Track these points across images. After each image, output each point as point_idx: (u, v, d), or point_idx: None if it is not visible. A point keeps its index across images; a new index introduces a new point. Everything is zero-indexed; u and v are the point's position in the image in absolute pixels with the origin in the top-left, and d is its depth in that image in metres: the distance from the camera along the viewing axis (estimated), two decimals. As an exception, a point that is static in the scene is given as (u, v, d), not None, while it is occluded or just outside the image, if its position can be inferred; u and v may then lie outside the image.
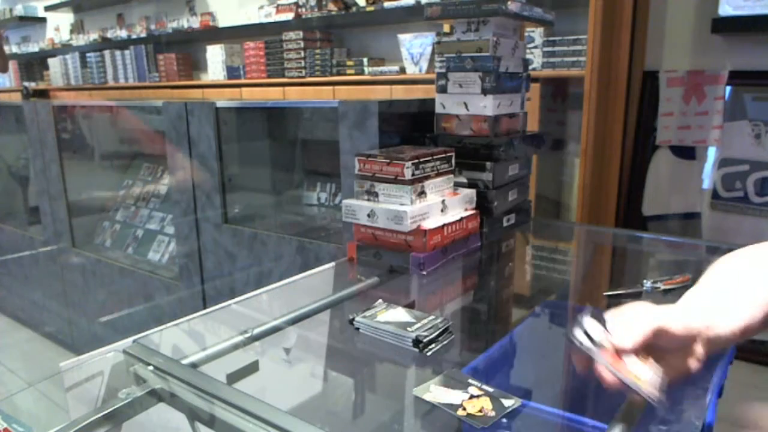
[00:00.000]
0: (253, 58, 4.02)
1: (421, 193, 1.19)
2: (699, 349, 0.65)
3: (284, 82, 3.79)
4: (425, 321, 0.88)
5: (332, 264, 1.26)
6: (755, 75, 1.87)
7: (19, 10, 6.13)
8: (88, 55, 5.38)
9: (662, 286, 1.04)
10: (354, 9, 3.39)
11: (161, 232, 2.69)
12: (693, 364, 0.65)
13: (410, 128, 1.57)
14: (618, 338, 0.61)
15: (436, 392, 0.71)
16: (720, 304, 0.68)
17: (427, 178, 1.21)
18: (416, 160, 1.17)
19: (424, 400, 0.70)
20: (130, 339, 0.85)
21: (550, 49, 2.55)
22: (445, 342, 0.85)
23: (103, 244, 2.86)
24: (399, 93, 3.07)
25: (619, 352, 0.61)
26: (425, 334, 0.84)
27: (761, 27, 1.74)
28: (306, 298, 1.03)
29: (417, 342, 0.83)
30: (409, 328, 0.85)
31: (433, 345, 0.84)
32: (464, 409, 0.68)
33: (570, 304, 1.16)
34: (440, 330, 0.86)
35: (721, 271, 0.74)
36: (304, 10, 3.69)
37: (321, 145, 2.33)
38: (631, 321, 0.63)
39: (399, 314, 0.92)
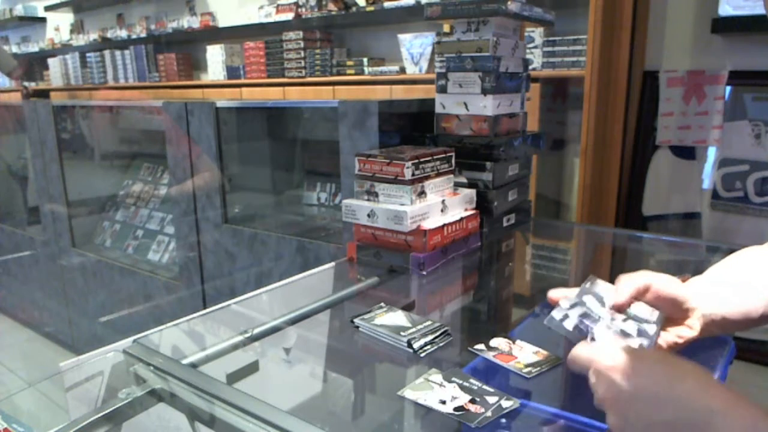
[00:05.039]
0: (253, 58, 4.02)
1: (421, 193, 1.19)
2: (695, 323, 0.70)
3: (284, 82, 3.79)
4: (421, 326, 0.88)
5: (332, 264, 1.26)
6: (755, 75, 1.87)
7: (19, 10, 6.14)
8: (88, 55, 5.38)
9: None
10: (354, 9, 3.40)
11: (161, 232, 2.69)
12: (687, 333, 0.71)
13: (410, 128, 1.57)
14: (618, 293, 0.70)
15: (431, 392, 0.71)
16: (723, 289, 0.72)
17: (427, 178, 1.21)
18: (416, 160, 1.17)
19: (417, 401, 0.70)
20: (130, 339, 0.85)
21: (550, 49, 2.55)
22: (441, 344, 0.86)
23: (103, 244, 2.86)
24: (399, 93, 3.07)
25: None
26: (417, 338, 0.84)
27: (761, 27, 1.74)
28: (306, 298, 1.03)
29: (408, 346, 0.84)
30: (402, 333, 0.86)
31: (428, 347, 0.84)
32: (461, 409, 0.68)
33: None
34: (436, 334, 0.86)
35: (728, 263, 0.77)
36: (304, 10, 3.69)
37: (321, 145, 2.33)
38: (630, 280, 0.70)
39: (397, 318, 0.92)
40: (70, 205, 2.69)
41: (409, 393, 0.72)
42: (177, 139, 2.06)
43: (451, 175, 1.31)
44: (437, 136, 1.41)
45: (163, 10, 4.87)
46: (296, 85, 3.72)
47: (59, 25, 6.09)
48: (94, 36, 5.43)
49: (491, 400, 0.69)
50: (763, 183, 1.85)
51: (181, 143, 2.05)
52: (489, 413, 0.67)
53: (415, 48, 3.24)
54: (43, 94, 5.67)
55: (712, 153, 1.95)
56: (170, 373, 0.75)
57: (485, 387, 0.72)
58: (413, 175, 1.16)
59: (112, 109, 2.97)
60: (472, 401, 0.69)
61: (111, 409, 0.71)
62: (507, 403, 0.68)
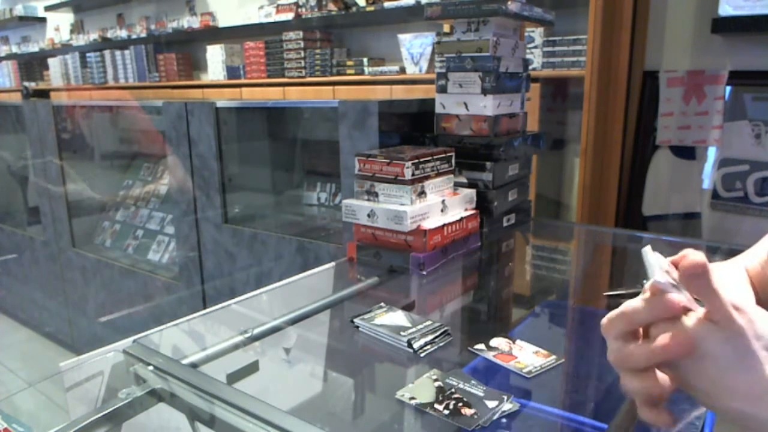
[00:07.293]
0: (253, 58, 4.02)
1: (421, 193, 1.19)
2: None
3: (284, 82, 3.79)
4: (421, 326, 0.88)
5: (332, 264, 1.26)
6: (755, 75, 1.87)
7: (19, 10, 6.13)
8: (88, 55, 5.38)
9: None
10: (354, 9, 3.39)
11: (161, 232, 2.69)
12: None
13: (410, 128, 1.57)
14: None
15: (431, 393, 0.71)
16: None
17: (427, 178, 1.21)
18: (416, 160, 1.17)
19: (417, 401, 0.70)
20: (130, 339, 0.85)
21: (550, 49, 2.55)
22: (441, 344, 0.86)
23: (103, 244, 2.86)
24: (399, 93, 3.07)
25: None
26: (417, 338, 0.84)
27: (761, 27, 1.74)
28: (306, 298, 1.03)
29: (408, 346, 0.84)
30: (402, 333, 0.86)
31: (428, 347, 0.84)
32: (459, 412, 0.68)
33: (570, 304, 1.16)
34: (435, 334, 0.86)
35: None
36: (304, 10, 3.69)
37: (321, 145, 2.33)
38: None
39: (397, 318, 0.92)
40: (70, 205, 2.69)
41: (409, 393, 0.72)
42: (176, 140, 2.06)
43: (451, 175, 1.31)
44: (437, 136, 1.41)
45: (163, 10, 4.87)
46: (296, 85, 3.72)
47: (59, 25, 6.09)
48: (94, 36, 5.43)
49: (491, 404, 0.69)
50: (763, 183, 1.84)
51: (180, 146, 2.05)
52: (486, 418, 0.67)
53: (415, 48, 3.24)
54: (43, 94, 5.67)
55: (712, 153, 1.95)
56: (170, 373, 0.75)
57: (486, 388, 0.72)
58: (413, 175, 1.16)
59: (112, 109, 2.97)
60: (470, 405, 0.69)
61: (111, 409, 0.71)
62: (506, 406, 0.68)
